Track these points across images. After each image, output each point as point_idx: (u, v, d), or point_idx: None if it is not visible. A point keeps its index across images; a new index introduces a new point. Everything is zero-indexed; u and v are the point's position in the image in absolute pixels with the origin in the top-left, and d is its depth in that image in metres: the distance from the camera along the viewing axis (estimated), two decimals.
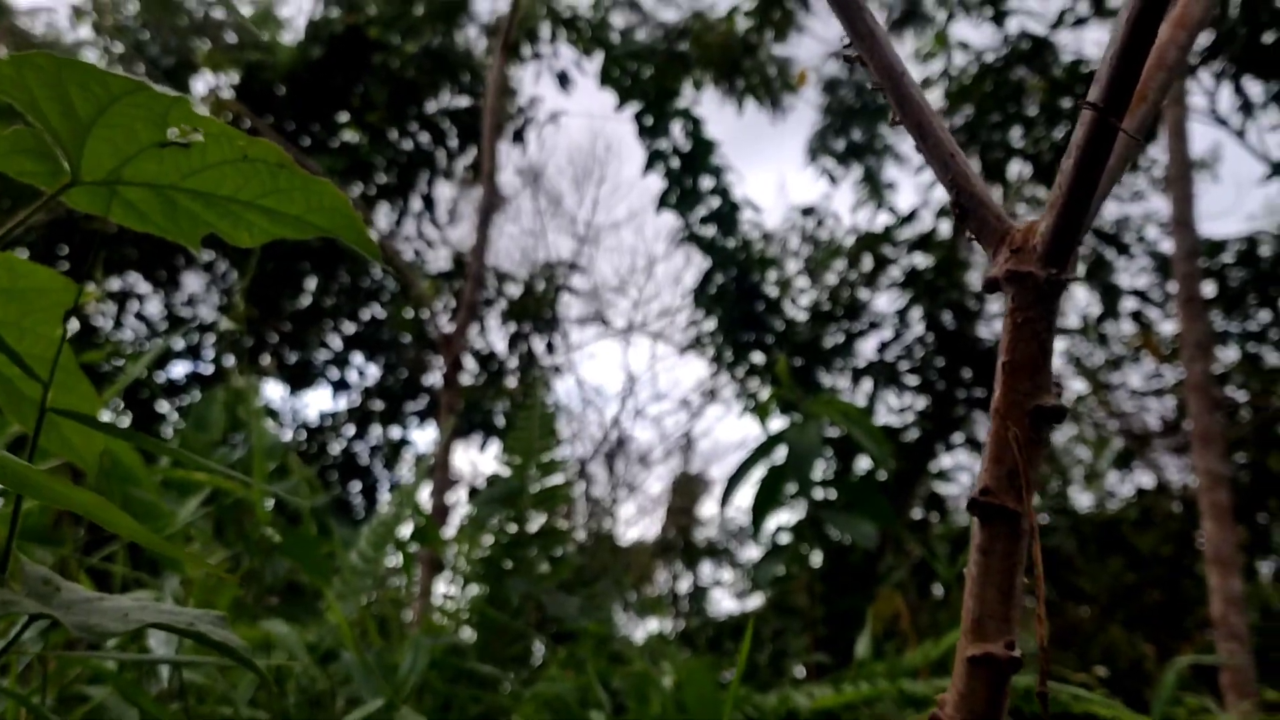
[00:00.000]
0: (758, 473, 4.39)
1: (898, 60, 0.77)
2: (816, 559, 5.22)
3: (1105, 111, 0.64)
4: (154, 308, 11.19)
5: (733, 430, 28.84)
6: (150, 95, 0.87)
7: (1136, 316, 9.40)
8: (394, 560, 3.11)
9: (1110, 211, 10.73)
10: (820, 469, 4.35)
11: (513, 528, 3.47)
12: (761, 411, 4.36)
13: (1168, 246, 9.21)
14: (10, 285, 1.06)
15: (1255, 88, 8.40)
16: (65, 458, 1.21)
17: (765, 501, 4.34)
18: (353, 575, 2.84)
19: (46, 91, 0.86)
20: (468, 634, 3.35)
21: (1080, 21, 8.79)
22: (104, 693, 1.57)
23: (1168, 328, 9.50)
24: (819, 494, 4.44)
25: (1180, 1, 0.74)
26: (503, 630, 3.32)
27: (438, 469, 7.64)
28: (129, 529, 0.86)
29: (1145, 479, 10.38)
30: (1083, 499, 11.18)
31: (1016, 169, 9.76)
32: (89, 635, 0.80)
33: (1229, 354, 9.62)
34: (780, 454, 4.28)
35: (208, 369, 10.71)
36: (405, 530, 3.11)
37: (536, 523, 3.56)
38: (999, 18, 9.10)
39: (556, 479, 3.60)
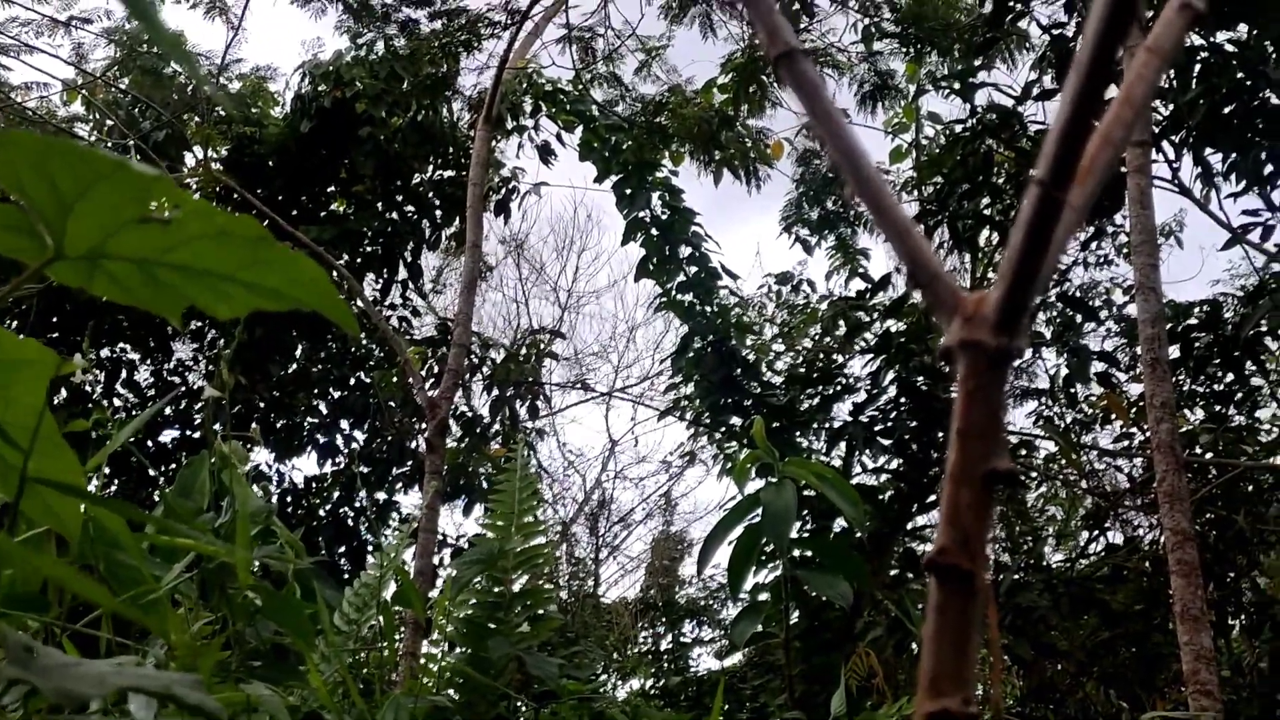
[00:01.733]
0: (735, 533, 4.51)
1: (855, 141, 0.77)
2: (794, 617, 5.38)
3: (1050, 187, 0.67)
4: (144, 375, 11.35)
5: (712, 491, 28.89)
6: (132, 174, 0.88)
7: (1104, 378, 9.63)
8: (378, 623, 3.24)
9: (1078, 277, 11.00)
10: (796, 529, 4.50)
11: (495, 588, 3.57)
12: (738, 473, 4.52)
13: (1133, 310, 9.46)
14: None
15: (1215, 158, 8.65)
16: (49, 525, 1.22)
17: (742, 561, 4.46)
18: (336, 637, 2.99)
19: (31, 170, 0.87)
20: (451, 695, 3.46)
21: (1046, 94, 9.07)
22: None
23: (1135, 389, 9.73)
24: (796, 553, 4.57)
25: (1126, 81, 0.75)
26: (485, 691, 3.44)
27: (422, 532, 7.79)
28: (103, 599, 0.89)
29: (1116, 537, 10.58)
30: (1055, 556, 11.38)
31: (985, 236, 10.04)
32: (66, 700, 0.81)
33: (1196, 415, 9.86)
34: (757, 515, 4.41)
35: (196, 435, 10.86)
36: (388, 592, 3.23)
37: (519, 583, 3.67)
38: (966, 91, 9.39)
39: (538, 540, 3.71)
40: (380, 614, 2.93)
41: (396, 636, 3.67)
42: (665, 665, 14.04)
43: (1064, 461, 10.77)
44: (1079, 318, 9.77)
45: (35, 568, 1.75)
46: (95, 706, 1.67)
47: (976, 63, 9.97)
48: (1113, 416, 10.05)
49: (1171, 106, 8.14)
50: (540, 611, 3.69)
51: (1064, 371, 9.61)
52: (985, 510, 0.70)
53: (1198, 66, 7.87)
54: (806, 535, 6.40)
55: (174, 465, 10.57)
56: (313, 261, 0.97)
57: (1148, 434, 8.60)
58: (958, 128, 9.49)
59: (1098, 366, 9.52)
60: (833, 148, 0.79)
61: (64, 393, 9.94)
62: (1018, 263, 0.69)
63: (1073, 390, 9.90)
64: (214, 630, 2.20)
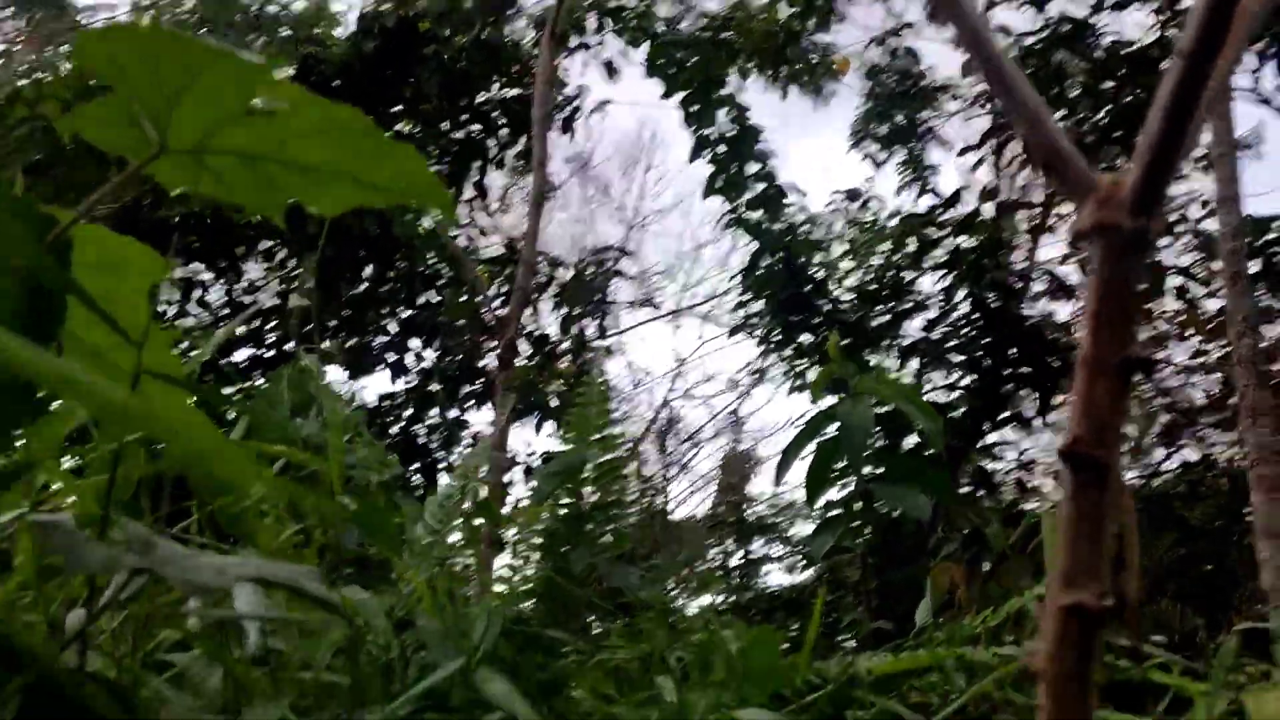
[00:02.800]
0: (810, 448, 4.50)
1: (980, 21, 0.76)
2: (868, 533, 5.38)
3: (1197, 58, 0.64)
4: (216, 295, 11.47)
5: (780, 410, 28.89)
6: (236, 63, 0.86)
7: (1181, 293, 9.49)
8: (457, 536, 3.27)
9: None
10: (872, 444, 4.48)
11: (572, 501, 3.59)
12: (815, 388, 4.50)
13: (1211, 224, 9.29)
14: (100, 259, 1.06)
15: None
16: (152, 429, 1.27)
17: (820, 475, 4.46)
18: (421, 548, 3.02)
19: (135, 61, 0.85)
20: (531, 606, 3.50)
21: (1120, 4, 8.86)
22: (188, 657, 1.72)
23: (1211, 305, 9.58)
24: (871, 469, 4.56)
25: None
26: (565, 601, 3.47)
27: (495, 448, 7.85)
28: (233, 470, 0.87)
29: (1191, 455, 10.47)
30: (1129, 474, 11.27)
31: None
32: (189, 589, 0.84)
33: (1276, 330, 9.70)
34: (832, 430, 4.40)
35: (269, 354, 10.98)
36: (467, 505, 3.25)
37: (596, 497, 3.69)
38: (1039, 1, 9.19)
39: (614, 454, 3.72)
40: (462, 525, 2.95)
41: (478, 549, 3.70)
42: (735, 581, 14.13)
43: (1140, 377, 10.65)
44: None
45: (126, 472, 1.78)
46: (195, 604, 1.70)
47: None
48: (1189, 331, 9.90)
49: None
50: (618, 525, 3.71)
51: (1140, 286, 9.47)
52: (1121, 399, 0.69)
53: None
54: (881, 449, 6.37)
55: (247, 384, 10.71)
56: (418, 155, 0.95)
57: (1225, 349, 8.48)
58: (1030, 40, 9.29)
59: (1174, 280, 9.38)
60: (958, 29, 0.77)
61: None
62: (1158, 140, 0.67)
63: (1149, 305, 9.76)
64: (302, 541, 2.23)
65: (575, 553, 3.36)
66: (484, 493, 3.04)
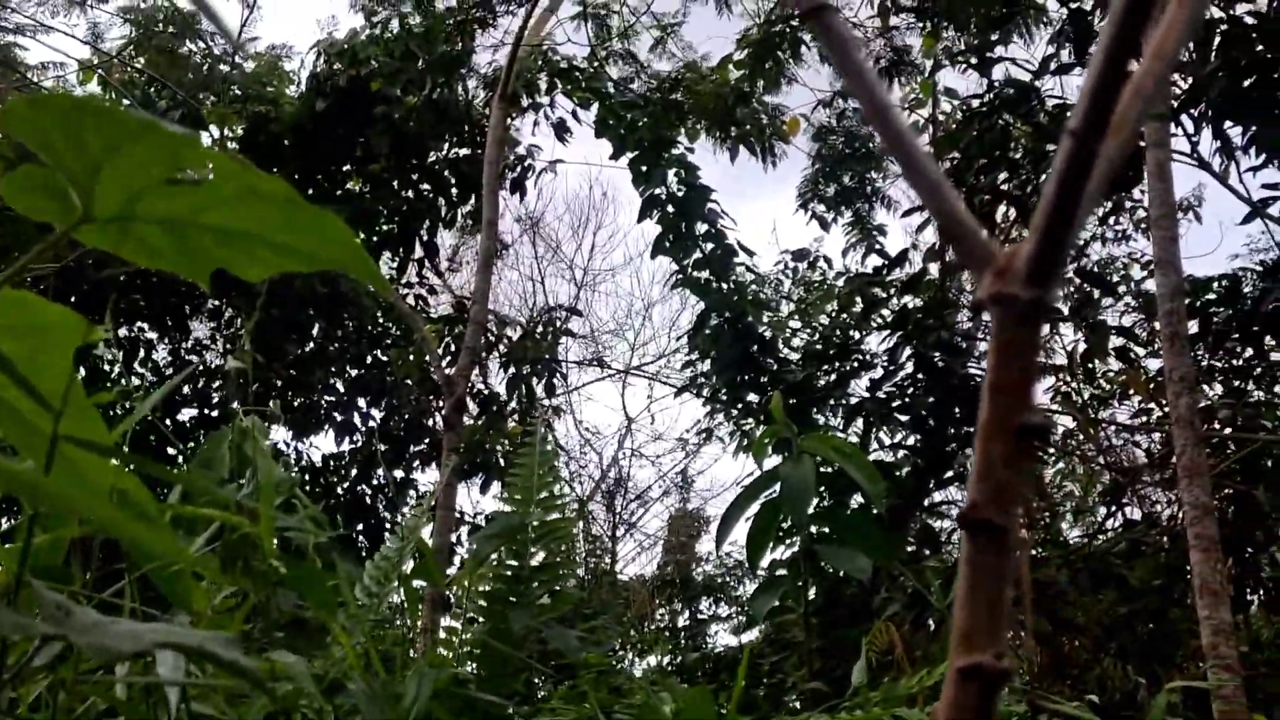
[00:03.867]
0: (753, 509, 4.51)
1: (884, 95, 0.76)
2: (812, 594, 5.39)
3: (1084, 137, 0.66)
4: (162, 354, 11.40)
5: (729, 469, 28.94)
6: (161, 133, 0.87)
7: (1122, 354, 9.60)
8: (398, 598, 3.25)
9: (1095, 252, 10.97)
10: (814, 504, 4.49)
11: (514, 562, 3.58)
12: (757, 448, 4.51)
13: (1152, 285, 9.43)
14: (21, 322, 1.06)
15: (1235, 131, 8.61)
16: (75, 496, 1.10)
17: (761, 536, 4.45)
18: (358, 609, 3.00)
19: (60, 130, 0.86)
20: (471, 669, 3.47)
21: (1064, 69, 9.02)
22: None
23: (1153, 364, 9.70)
24: (814, 529, 4.57)
25: (1156, 35, 0.74)
26: (505, 663, 3.46)
27: (440, 508, 7.81)
28: (150, 540, 0.85)
29: (1134, 513, 10.55)
30: (1073, 533, 11.36)
31: (1002, 212, 10.00)
32: (102, 656, 0.85)
33: (1214, 390, 9.83)
34: (775, 490, 4.41)
35: (215, 413, 10.90)
36: (408, 566, 3.24)
37: (537, 558, 3.68)
38: (984, 66, 9.35)
39: (557, 514, 3.71)
40: (401, 587, 2.94)
41: (417, 611, 3.67)
42: (683, 642, 14.10)
43: (1082, 437, 10.75)
44: (1097, 293, 9.73)
45: (58, 537, 1.77)
46: (121, 671, 1.69)
47: (993, 37, 9.90)
48: (1131, 392, 10.01)
49: (1191, 80, 8.08)
50: (559, 586, 3.69)
51: (1082, 346, 9.59)
52: (1017, 465, 0.68)
53: (1217, 39, 7.80)
54: (824, 510, 6.40)
55: (192, 444, 10.61)
56: (341, 222, 0.96)
57: (1166, 409, 8.58)
58: (975, 103, 9.45)
59: (1116, 341, 9.50)
60: (863, 103, 0.77)
61: (83, 371, 9.98)
62: (1050, 214, 0.68)
63: (1090, 365, 9.87)
64: (236, 603, 2.21)
65: (515, 614, 3.35)
66: (425, 554, 3.02)
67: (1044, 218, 0.68)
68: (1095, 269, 10.39)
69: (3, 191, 0.93)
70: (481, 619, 3.53)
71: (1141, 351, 9.83)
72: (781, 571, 4.86)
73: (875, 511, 6.07)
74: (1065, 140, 0.68)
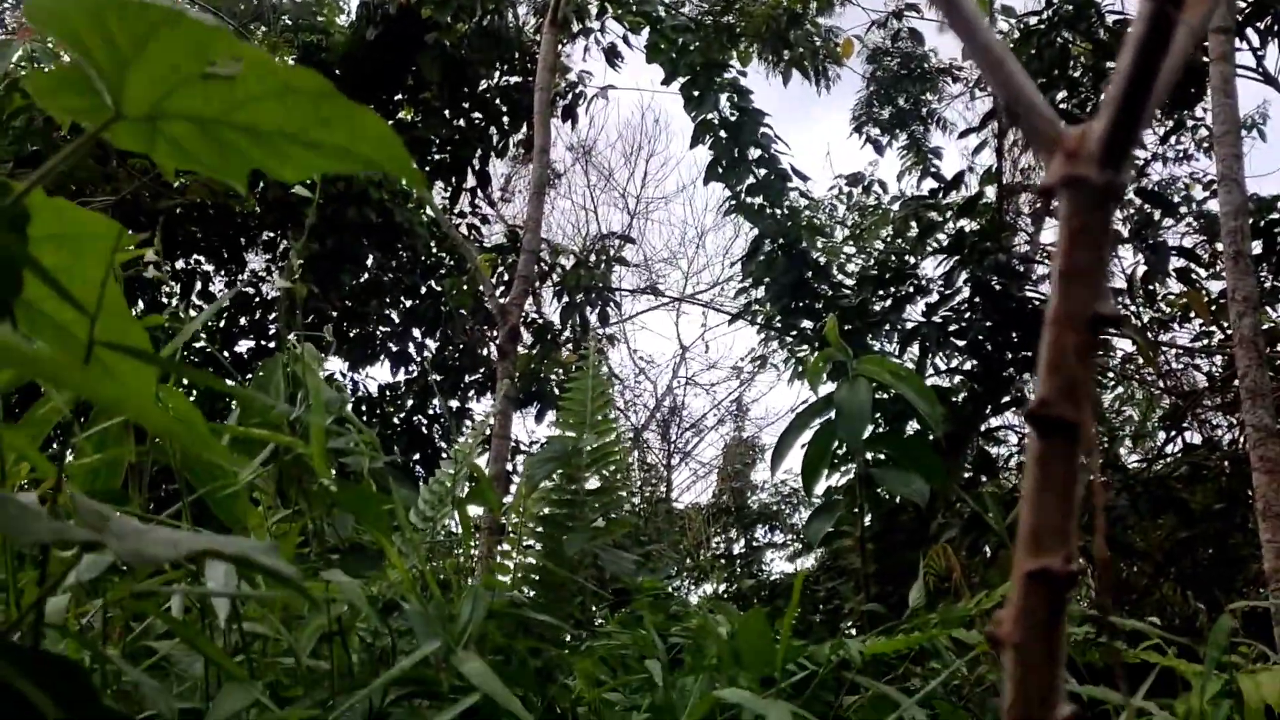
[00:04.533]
0: (808, 434, 4.48)
1: None
2: (868, 520, 5.37)
3: (1164, 1, 0.62)
4: (218, 286, 11.48)
5: (783, 397, 28.94)
6: (190, 26, 0.85)
7: (1184, 275, 9.45)
8: (453, 523, 3.25)
9: (1156, 172, 10.77)
10: (870, 430, 4.45)
11: (570, 486, 3.57)
12: (812, 373, 4.47)
13: (1214, 205, 9.26)
14: (60, 230, 1.05)
15: None
16: (118, 406, 1.10)
17: (817, 461, 4.42)
18: (413, 533, 3.00)
19: (87, 24, 0.84)
20: (526, 593, 3.48)
21: None
22: (170, 645, 1.65)
23: (1214, 286, 9.54)
24: (870, 455, 4.53)
25: None
26: (560, 587, 3.46)
27: (495, 436, 7.83)
28: (190, 441, 0.84)
29: (1194, 437, 10.44)
30: (1132, 458, 11.26)
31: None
32: (140, 562, 0.85)
33: (1278, 311, 9.67)
34: (831, 414, 4.37)
35: (272, 345, 10.98)
36: (463, 491, 3.23)
37: (592, 483, 3.67)
38: None
39: (611, 438, 3.70)
40: (456, 511, 2.94)
41: (472, 537, 3.68)
42: (738, 569, 14.15)
43: (1141, 360, 10.62)
44: (1157, 213, 9.57)
45: (114, 459, 1.77)
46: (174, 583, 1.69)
47: None
48: (1192, 314, 9.87)
49: None
50: (614, 511, 3.68)
51: (1142, 268, 9.45)
52: (1090, 357, 0.66)
53: None
54: (880, 435, 6.36)
55: (249, 376, 10.71)
56: (378, 117, 0.92)
57: (1228, 331, 8.46)
58: (1032, 20, 9.26)
59: (1177, 262, 9.35)
60: None
61: (141, 305, 10.07)
62: (1126, 87, 0.64)
63: (1151, 287, 9.73)
64: (290, 526, 2.21)
65: (570, 538, 3.34)
66: (480, 479, 3.02)
67: (1118, 92, 0.65)
68: (1156, 189, 10.19)
69: (33, 92, 0.91)
70: (537, 544, 3.53)
71: (1203, 273, 9.67)
72: (837, 496, 4.84)
73: (932, 436, 6.04)
74: (1144, 5, 0.64)
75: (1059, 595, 0.65)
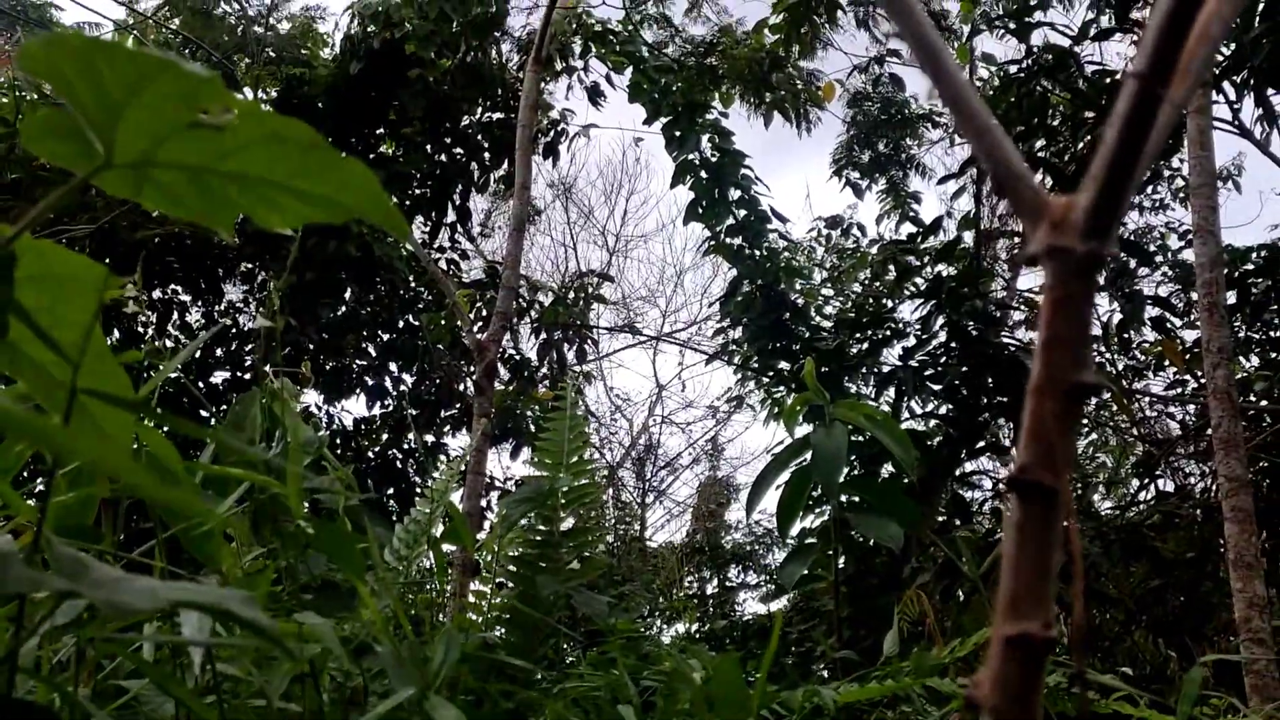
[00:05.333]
0: (784, 476, 4.48)
1: (936, 37, 0.73)
2: (841, 563, 5.36)
3: (1150, 80, 0.63)
4: (195, 317, 11.43)
5: (759, 437, 28.94)
6: (180, 74, 0.85)
7: (1158, 324, 9.51)
8: (428, 561, 3.23)
9: (1132, 221, 10.86)
10: (845, 473, 4.45)
11: (544, 527, 3.56)
12: (788, 415, 4.48)
13: (1189, 255, 9.33)
14: (42, 271, 1.04)
15: (1278, 98, 8.49)
16: (97, 454, 1.21)
17: (792, 503, 4.43)
18: (387, 572, 2.99)
19: (78, 71, 0.84)
20: (499, 634, 3.46)
21: (1104, 34, 8.90)
22: (140, 685, 1.62)
23: (1189, 335, 9.62)
24: (845, 498, 4.54)
25: None
26: (534, 628, 3.45)
27: (470, 473, 7.80)
28: (168, 495, 0.82)
29: (1167, 485, 10.48)
30: (1104, 504, 11.30)
31: (1038, 180, 9.88)
32: (116, 612, 0.83)
33: (1251, 361, 9.73)
34: (807, 457, 4.38)
35: (247, 376, 10.94)
36: (438, 530, 3.22)
37: (567, 522, 3.66)
38: (1022, 31, 9.23)
39: (586, 479, 3.70)
40: (430, 549, 2.92)
41: (446, 575, 3.67)
42: (711, 609, 14.11)
43: (1116, 408, 10.67)
44: (1133, 262, 9.64)
45: (87, 496, 1.76)
46: (148, 631, 1.68)
47: (1032, 2, 9.77)
48: (1166, 362, 9.93)
49: (1233, 45, 7.96)
50: (588, 552, 3.68)
51: (1117, 316, 9.50)
52: (1070, 425, 0.67)
53: (1261, 3, 7.68)
54: (856, 478, 6.37)
55: (225, 407, 10.65)
56: (365, 168, 0.93)
57: (1202, 380, 8.51)
58: (1012, 69, 9.33)
59: (1152, 311, 9.41)
60: (913, 44, 0.75)
61: (117, 334, 10.02)
62: (1112, 162, 0.66)
63: (1126, 335, 9.79)
64: (265, 564, 2.20)
65: (544, 579, 3.33)
66: (455, 517, 3.00)
67: (1104, 166, 0.66)
68: (1132, 238, 10.27)
69: (23, 137, 0.91)
70: (510, 584, 3.52)
71: (1178, 322, 9.74)
72: (811, 540, 4.84)
73: (907, 480, 6.05)
74: (1129, 83, 0.65)
75: (1037, 660, 0.66)
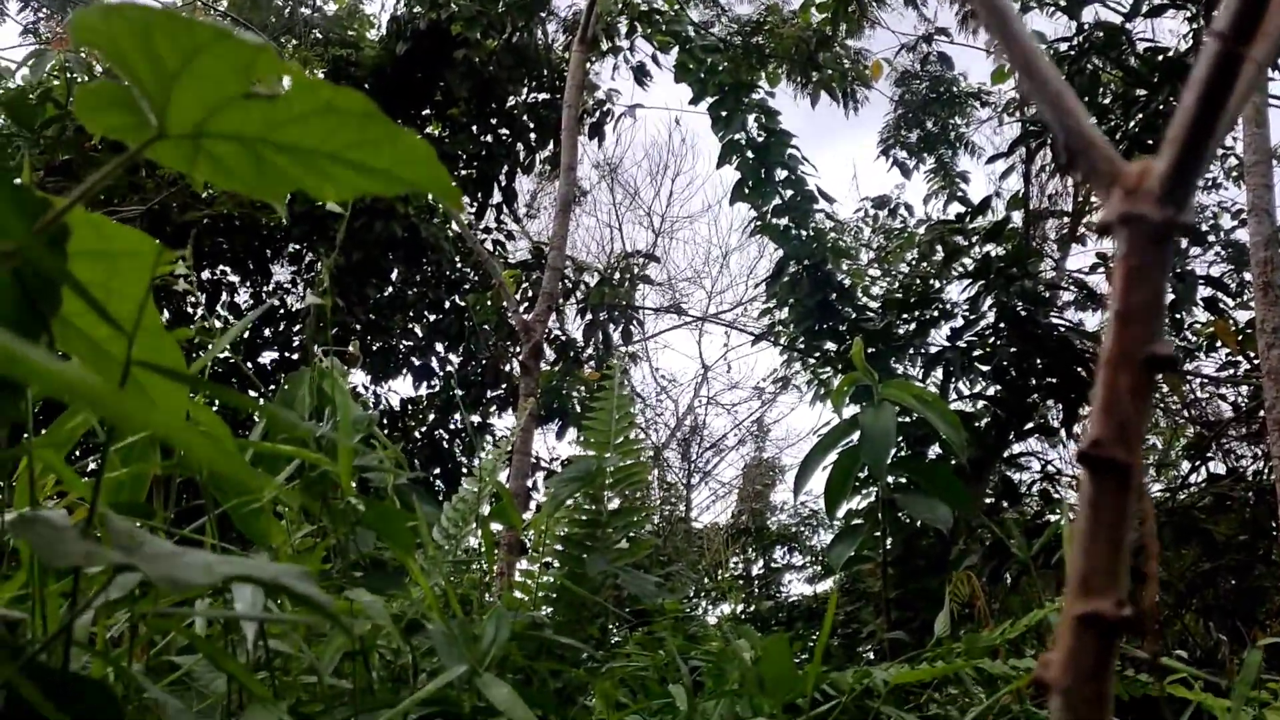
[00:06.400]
0: (832, 456, 4.46)
1: (1006, 2, 0.72)
2: (889, 544, 5.33)
3: (1231, 40, 0.61)
4: (243, 297, 11.51)
5: (805, 418, 28.87)
6: (235, 45, 0.84)
7: (1211, 304, 9.40)
8: (475, 540, 3.24)
9: None
10: (893, 454, 4.42)
11: (592, 506, 3.56)
12: (837, 395, 4.45)
13: (1243, 234, 9.22)
14: (98, 247, 1.04)
15: None
16: (151, 425, 1.20)
17: (840, 484, 4.40)
18: (436, 550, 2.99)
19: (133, 42, 0.84)
20: (547, 613, 3.47)
21: (1156, 10, 8.78)
22: (193, 660, 1.63)
23: (1241, 316, 9.50)
24: (893, 479, 4.51)
25: None
26: (582, 607, 3.45)
27: (516, 454, 7.83)
28: (222, 463, 0.83)
29: (1218, 467, 10.37)
30: (1155, 487, 11.19)
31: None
32: (172, 586, 0.80)
33: None
34: (854, 438, 4.35)
35: (295, 356, 11.01)
36: (486, 508, 3.23)
37: (614, 503, 3.65)
38: (1073, 8, 9.12)
39: (635, 459, 3.69)
40: (479, 528, 2.92)
41: (494, 554, 3.67)
42: (756, 590, 14.10)
43: (1167, 389, 10.56)
44: (1185, 242, 9.51)
45: (139, 472, 1.77)
46: (201, 607, 1.69)
47: None
48: (1218, 343, 9.81)
49: None
50: (636, 532, 3.67)
51: (1169, 297, 9.39)
52: (1144, 398, 0.65)
53: None
54: (903, 459, 6.33)
55: (273, 387, 10.73)
56: (420, 139, 0.92)
57: (1255, 361, 8.41)
58: (1063, 46, 9.22)
59: (1204, 291, 9.30)
60: (981, 7, 0.73)
61: (166, 314, 10.11)
62: (1190, 126, 0.63)
63: (1178, 316, 9.68)
64: (315, 542, 2.21)
65: (592, 559, 3.33)
66: (503, 496, 3.00)
67: (1182, 129, 0.64)
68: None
69: (76, 109, 0.90)
70: (558, 563, 3.52)
71: (1231, 302, 9.61)
72: (859, 520, 4.81)
73: (956, 461, 6.01)
74: (1210, 43, 0.63)
75: (1109, 639, 0.64)
